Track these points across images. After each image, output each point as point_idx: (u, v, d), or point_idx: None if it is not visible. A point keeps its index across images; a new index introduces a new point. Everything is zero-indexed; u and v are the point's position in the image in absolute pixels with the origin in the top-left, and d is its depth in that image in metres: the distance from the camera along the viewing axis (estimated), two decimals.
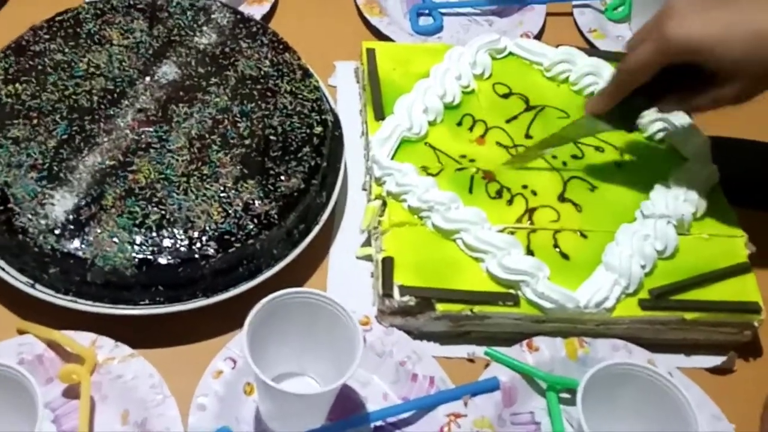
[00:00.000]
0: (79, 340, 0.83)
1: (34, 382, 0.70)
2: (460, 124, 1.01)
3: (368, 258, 0.95)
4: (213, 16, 1.05)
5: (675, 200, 0.93)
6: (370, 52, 1.08)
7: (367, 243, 0.96)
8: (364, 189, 1.01)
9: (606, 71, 1.06)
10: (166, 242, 0.85)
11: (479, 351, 0.88)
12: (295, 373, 0.83)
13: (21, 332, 0.85)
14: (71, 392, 0.82)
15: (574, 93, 1.06)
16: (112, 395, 0.81)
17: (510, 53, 1.09)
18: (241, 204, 0.88)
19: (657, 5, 1.15)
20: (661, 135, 1.02)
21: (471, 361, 0.88)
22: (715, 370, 0.90)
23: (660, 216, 0.92)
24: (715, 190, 0.97)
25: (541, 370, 0.85)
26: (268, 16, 1.20)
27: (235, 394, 0.82)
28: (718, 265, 0.91)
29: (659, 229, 0.91)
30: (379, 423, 0.82)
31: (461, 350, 0.89)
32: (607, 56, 1.09)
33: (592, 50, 1.13)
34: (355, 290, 0.92)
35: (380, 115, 1.01)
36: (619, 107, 0.91)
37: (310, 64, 1.04)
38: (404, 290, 0.86)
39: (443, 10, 1.22)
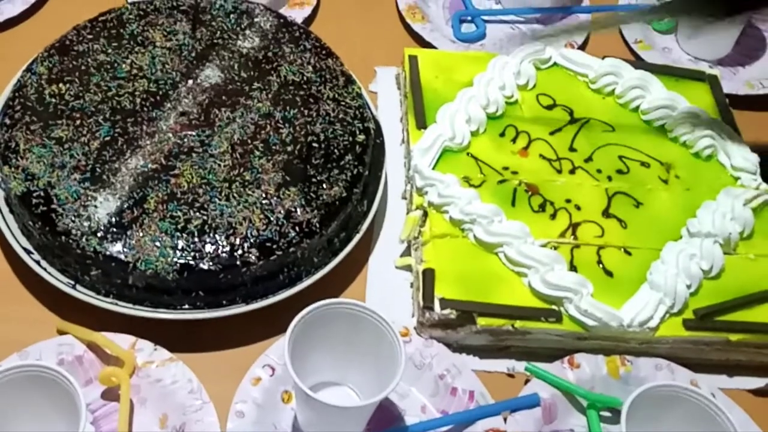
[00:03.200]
0: (119, 342, 0.83)
1: (77, 385, 0.70)
2: (503, 134, 1.01)
3: (407, 268, 0.94)
4: (256, 19, 1.05)
5: (722, 219, 0.91)
6: (413, 60, 1.07)
7: (406, 253, 0.95)
8: (404, 198, 1.01)
9: (653, 84, 1.05)
10: (208, 248, 0.85)
11: (519, 366, 0.87)
12: (334, 383, 0.83)
13: (61, 332, 0.85)
14: (110, 394, 0.82)
15: (620, 106, 1.05)
16: (150, 399, 0.82)
17: (555, 64, 1.09)
18: (282, 211, 0.88)
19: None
20: (708, 152, 1.00)
21: (511, 376, 0.87)
22: (757, 392, 0.89)
23: (706, 235, 0.91)
24: (763, 209, 0.96)
25: (581, 388, 0.84)
26: (310, 20, 1.19)
27: (273, 402, 0.82)
28: (764, 286, 0.90)
29: (705, 248, 0.89)
30: None
31: (501, 365, 0.88)
32: (654, 69, 1.08)
33: (638, 62, 1.12)
34: (393, 300, 0.91)
35: (422, 123, 1.00)
36: None
37: (350, 69, 1.03)
38: (445, 303, 0.85)
39: (486, 18, 1.22)
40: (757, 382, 0.89)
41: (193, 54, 1.01)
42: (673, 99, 1.04)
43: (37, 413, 0.74)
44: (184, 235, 0.85)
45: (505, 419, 0.82)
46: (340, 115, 0.97)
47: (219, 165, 0.91)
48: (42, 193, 0.87)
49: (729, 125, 1.03)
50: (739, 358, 0.89)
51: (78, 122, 0.93)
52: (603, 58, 1.08)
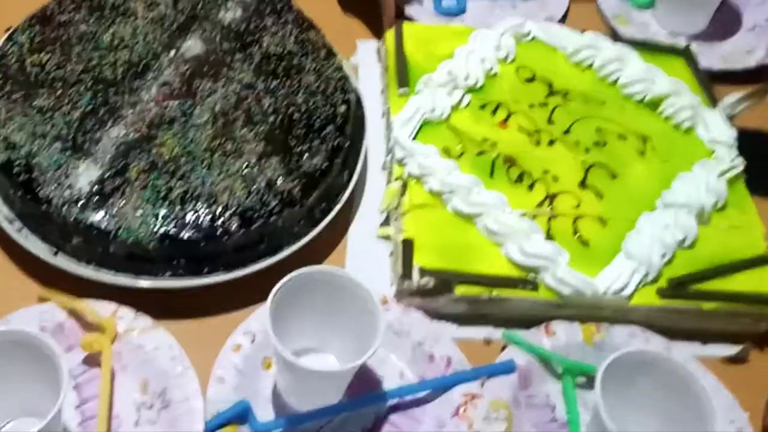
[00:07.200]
0: (100, 309, 0.84)
1: (59, 350, 0.71)
2: (483, 107, 1.01)
3: (387, 238, 0.95)
4: None
5: (696, 190, 0.93)
6: (398, 26, 1.08)
7: (386, 223, 0.96)
8: (384, 169, 1.01)
9: (631, 58, 1.06)
10: (189, 217, 0.85)
11: (496, 333, 0.88)
12: (314, 349, 0.84)
13: (42, 300, 0.86)
14: (91, 361, 0.83)
15: (598, 79, 1.06)
16: (132, 365, 0.82)
17: (534, 38, 1.09)
18: (264, 181, 0.88)
19: None
20: (688, 124, 1.02)
21: (488, 343, 0.89)
22: (730, 359, 0.91)
23: (681, 205, 0.92)
24: (737, 181, 0.97)
25: (557, 354, 0.85)
26: None
27: (254, 368, 0.83)
28: (736, 257, 0.91)
29: (680, 218, 0.91)
30: (395, 401, 0.82)
31: (478, 332, 0.89)
32: (632, 43, 1.09)
33: (616, 37, 1.13)
34: (373, 269, 0.92)
35: (404, 82, 1.01)
36: None
37: (332, 42, 1.04)
38: (423, 272, 0.86)
39: None
40: (729, 350, 0.91)
41: (175, 25, 1.01)
42: (652, 72, 1.05)
43: (18, 379, 0.74)
44: (166, 204, 0.86)
45: (482, 385, 0.83)
46: (322, 87, 0.97)
47: (201, 135, 0.91)
48: (23, 162, 0.87)
49: (708, 97, 1.05)
50: (712, 326, 0.91)
51: (59, 92, 0.93)
52: (582, 32, 1.09)
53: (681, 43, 1.15)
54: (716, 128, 1.01)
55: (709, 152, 1.00)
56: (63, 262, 0.86)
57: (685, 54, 1.11)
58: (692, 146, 1.01)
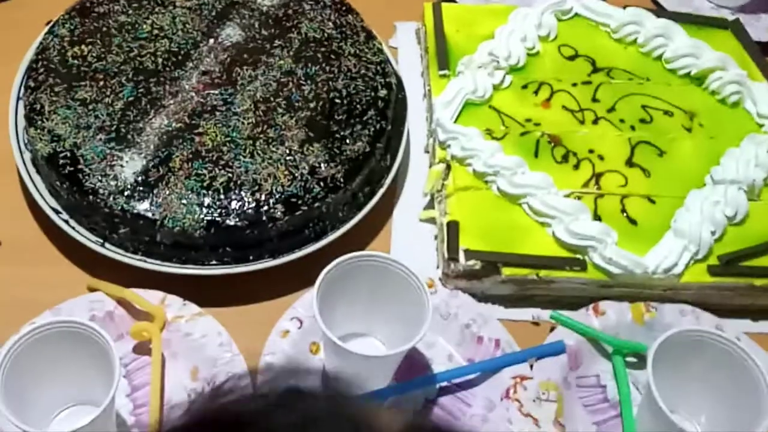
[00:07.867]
0: (148, 298, 0.84)
1: (110, 339, 0.72)
2: (525, 87, 1.00)
3: (431, 221, 0.95)
4: None
5: (746, 166, 0.91)
6: (436, 8, 1.07)
7: (430, 206, 0.96)
8: (427, 151, 1.01)
9: (676, 32, 1.04)
10: (234, 204, 0.86)
11: (544, 314, 0.88)
12: (361, 334, 0.84)
13: (91, 289, 0.86)
14: (141, 349, 0.83)
15: (642, 55, 1.05)
16: (181, 352, 0.83)
17: (576, 14, 1.08)
18: (307, 167, 0.88)
19: None
20: (735, 98, 1.00)
21: (536, 324, 0.88)
22: None
23: (730, 181, 0.91)
24: None
25: (607, 334, 0.84)
26: None
27: (302, 353, 0.83)
28: None
29: (729, 194, 0.89)
30: (444, 384, 0.82)
31: (526, 313, 0.89)
32: (676, 17, 1.07)
33: (660, 11, 1.11)
34: (418, 253, 0.92)
35: (444, 64, 1.00)
36: None
37: (370, 25, 1.03)
38: (470, 254, 0.86)
39: None
40: None
41: (214, 13, 1.01)
42: (697, 46, 1.03)
43: (70, 368, 0.75)
44: (210, 193, 0.86)
45: (531, 366, 0.82)
46: (362, 71, 0.97)
47: (242, 123, 0.91)
48: (68, 154, 0.88)
49: (761, 70, 1.02)
50: (764, 302, 0.89)
51: (101, 83, 0.93)
52: (624, 7, 1.07)
53: (726, 15, 1.13)
54: (764, 102, 0.98)
55: (758, 126, 0.98)
56: (111, 251, 0.87)
57: (735, 27, 1.08)
58: (740, 121, 0.99)
